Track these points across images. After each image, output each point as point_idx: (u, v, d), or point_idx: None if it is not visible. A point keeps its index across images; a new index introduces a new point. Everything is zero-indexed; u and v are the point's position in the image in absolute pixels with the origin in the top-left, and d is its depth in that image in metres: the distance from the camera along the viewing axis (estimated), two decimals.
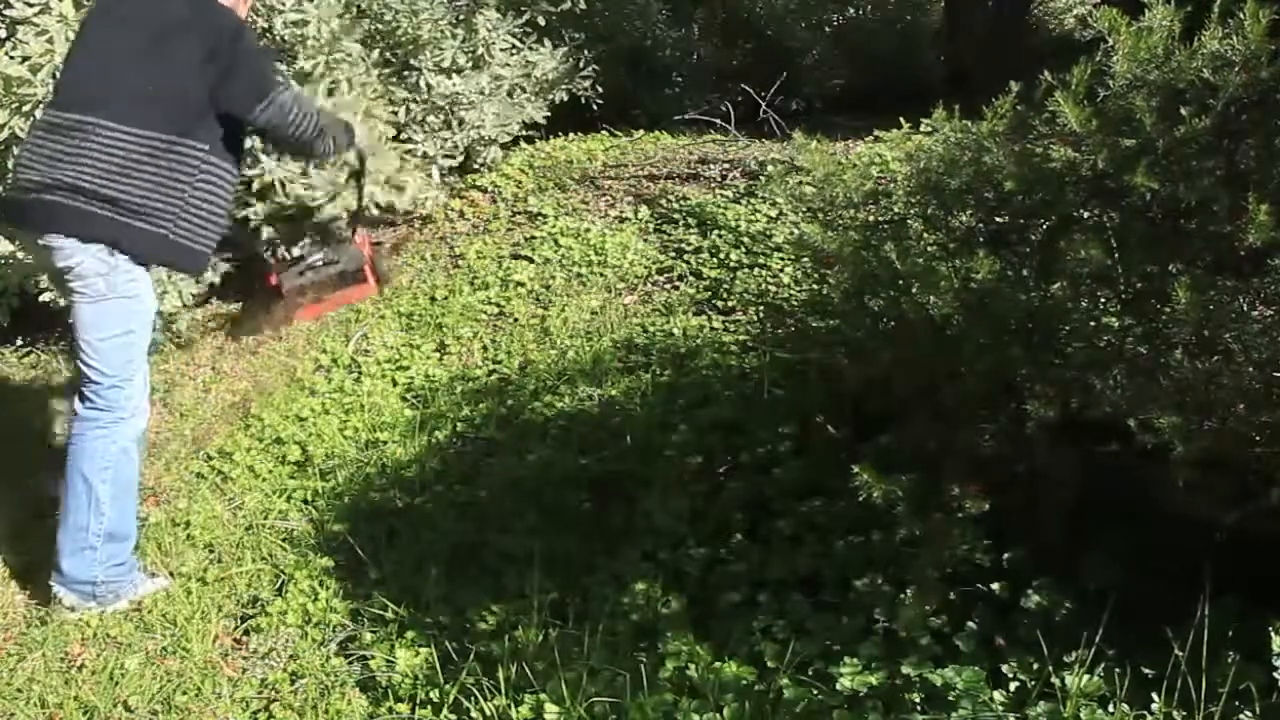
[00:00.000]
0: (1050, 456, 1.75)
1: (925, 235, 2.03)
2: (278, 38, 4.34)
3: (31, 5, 3.58)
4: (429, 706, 2.09)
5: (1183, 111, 1.61)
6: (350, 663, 2.28)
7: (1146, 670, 1.62)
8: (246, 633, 2.47)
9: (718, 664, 1.90)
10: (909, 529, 1.89)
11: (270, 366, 3.90)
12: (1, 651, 2.50)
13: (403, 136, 4.69)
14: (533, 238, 4.46)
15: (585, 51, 5.53)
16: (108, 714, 2.26)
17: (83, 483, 2.49)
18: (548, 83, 5.36)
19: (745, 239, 3.94)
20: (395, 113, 4.69)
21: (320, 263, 4.10)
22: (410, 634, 2.29)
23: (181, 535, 2.88)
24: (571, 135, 5.71)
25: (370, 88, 4.62)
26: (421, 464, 3.00)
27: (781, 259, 3.71)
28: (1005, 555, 1.87)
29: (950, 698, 1.64)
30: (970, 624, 1.79)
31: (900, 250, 1.95)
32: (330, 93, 4.51)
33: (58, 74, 2.68)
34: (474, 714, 1.99)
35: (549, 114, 5.42)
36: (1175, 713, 1.56)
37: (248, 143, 2.87)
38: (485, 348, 3.73)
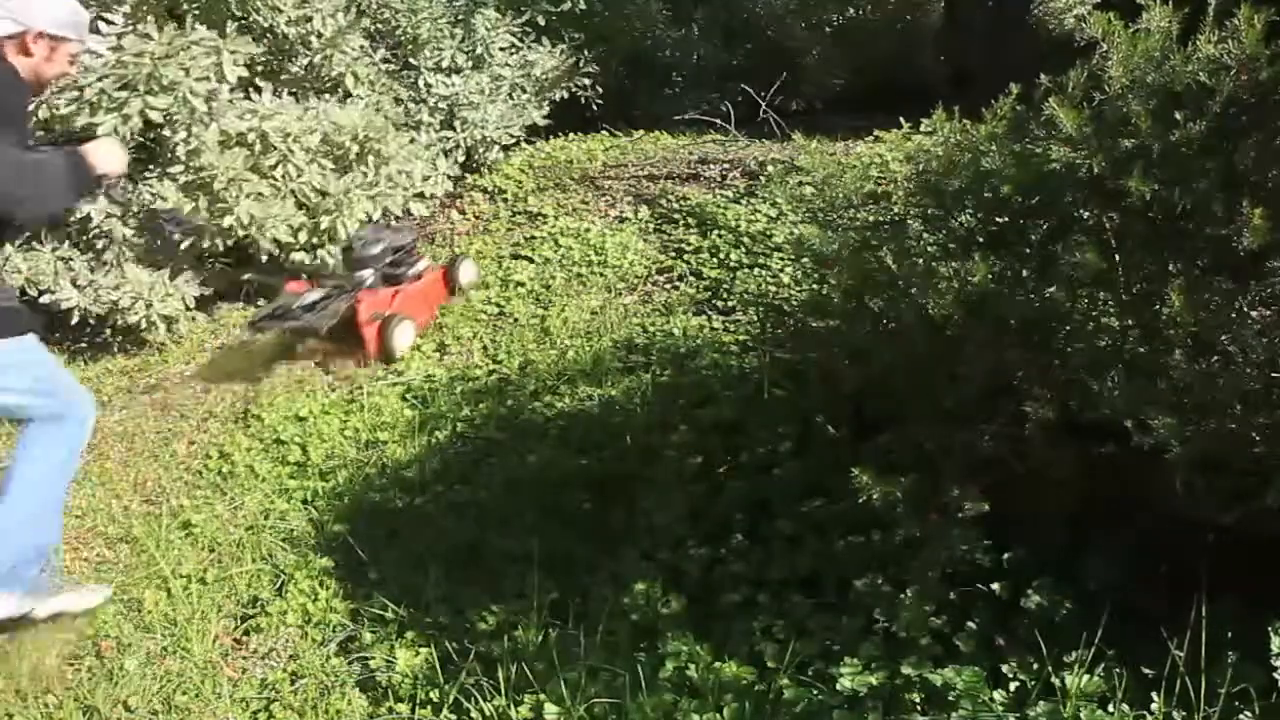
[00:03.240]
0: (1049, 457, 1.75)
1: (925, 236, 2.03)
2: (280, 35, 4.34)
3: None
4: (429, 706, 2.09)
5: (1178, 115, 1.61)
6: (350, 663, 2.29)
7: (1146, 670, 1.62)
8: (246, 633, 2.47)
9: (718, 664, 1.90)
10: (908, 529, 1.90)
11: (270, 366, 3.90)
12: (1, 651, 2.50)
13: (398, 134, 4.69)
14: (533, 238, 4.46)
15: (585, 51, 5.54)
16: (108, 714, 2.26)
17: None
18: (547, 83, 5.36)
19: (745, 239, 3.94)
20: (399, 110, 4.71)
21: (295, 318, 3.63)
22: (410, 634, 2.29)
23: (181, 535, 2.88)
24: (571, 135, 5.71)
25: (379, 83, 4.64)
26: (421, 464, 3.00)
27: (781, 259, 3.71)
28: (1005, 555, 1.87)
29: (950, 698, 1.64)
30: (970, 624, 1.79)
31: (899, 251, 1.95)
32: (335, 88, 4.52)
33: None
34: (474, 714, 2.00)
35: (549, 114, 5.43)
36: (1175, 713, 1.56)
37: None
38: (485, 348, 3.73)
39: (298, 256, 4.14)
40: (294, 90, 4.37)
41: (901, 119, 4.61)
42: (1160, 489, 1.58)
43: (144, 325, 3.92)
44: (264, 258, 4.06)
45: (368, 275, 3.73)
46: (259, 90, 4.15)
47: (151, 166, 3.98)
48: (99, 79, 3.67)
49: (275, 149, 3.97)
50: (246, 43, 3.98)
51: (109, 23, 3.76)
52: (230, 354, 4.03)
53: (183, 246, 3.90)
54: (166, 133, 3.86)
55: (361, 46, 4.55)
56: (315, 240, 4.12)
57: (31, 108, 2.38)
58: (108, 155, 2.40)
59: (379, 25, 4.81)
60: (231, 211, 3.82)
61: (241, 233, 3.91)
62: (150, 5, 4.02)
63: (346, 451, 3.17)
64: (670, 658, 1.94)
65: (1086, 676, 1.61)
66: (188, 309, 4.03)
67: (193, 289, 4.02)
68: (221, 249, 4.06)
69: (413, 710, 2.09)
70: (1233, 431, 1.52)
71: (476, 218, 4.83)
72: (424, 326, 3.87)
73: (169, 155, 3.92)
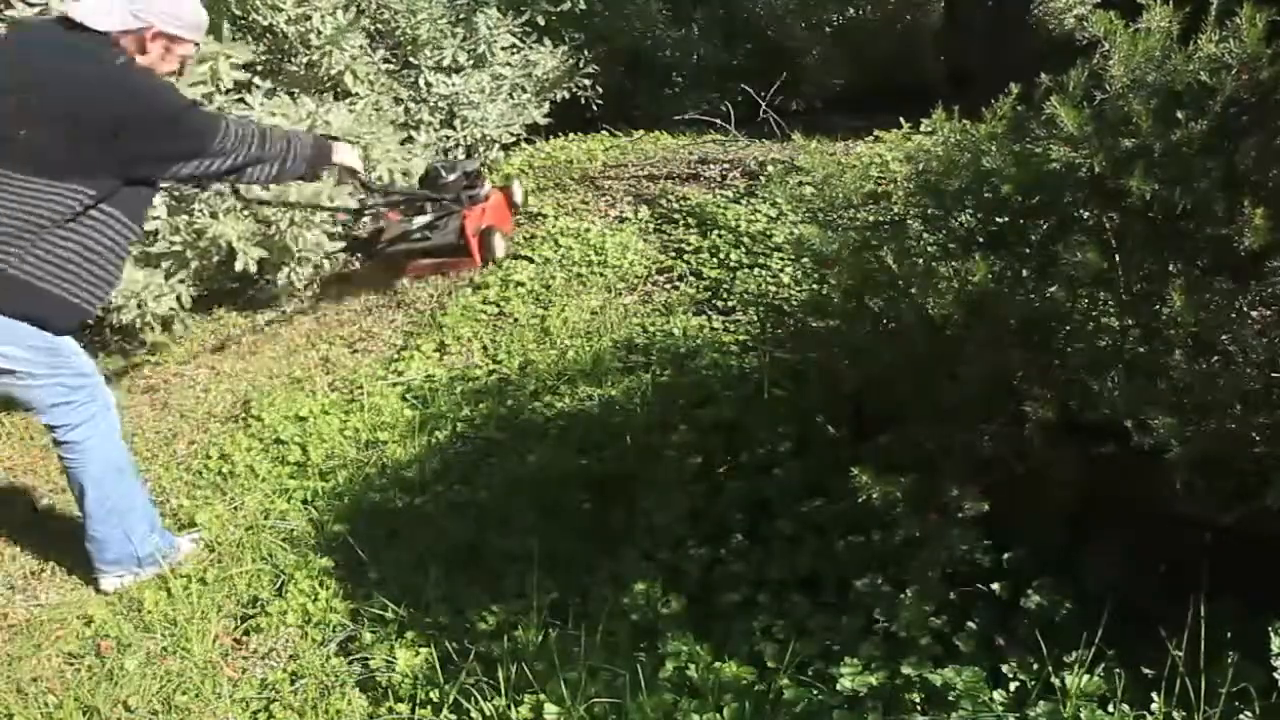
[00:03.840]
0: (1049, 457, 1.75)
1: (925, 236, 2.03)
2: (280, 33, 4.34)
3: (32, 5, 3.58)
4: (429, 706, 2.09)
5: (1179, 115, 1.61)
6: (350, 663, 2.29)
7: (1146, 670, 1.62)
8: (246, 633, 2.47)
9: (718, 664, 1.90)
10: (908, 529, 1.90)
11: (270, 366, 3.91)
12: (2, 652, 2.50)
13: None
14: (533, 238, 4.46)
15: (585, 51, 5.55)
16: (108, 714, 2.26)
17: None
18: (548, 82, 5.37)
19: (745, 239, 3.94)
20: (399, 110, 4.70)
21: (418, 235, 4.26)
22: (410, 634, 2.29)
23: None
24: (571, 135, 5.72)
25: (378, 82, 4.63)
26: (421, 464, 3.00)
27: (781, 259, 3.72)
28: (1005, 555, 1.87)
29: (950, 698, 1.64)
30: (970, 624, 1.79)
31: (899, 251, 1.95)
32: (334, 86, 4.52)
33: None
34: (474, 714, 1.99)
35: (549, 114, 5.43)
36: (1175, 713, 1.56)
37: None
38: (485, 348, 3.73)
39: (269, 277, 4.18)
40: (291, 90, 4.36)
41: (901, 119, 4.61)
42: (1160, 489, 1.58)
43: (138, 324, 3.91)
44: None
45: (452, 198, 4.24)
46: (252, 90, 4.13)
47: None
48: None
49: None
50: (243, 47, 3.96)
51: None
52: (362, 274, 4.51)
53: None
54: None
55: (361, 46, 4.55)
56: (280, 260, 4.12)
57: None
58: (348, 154, 2.82)
59: (379, 25, 4.82)
60: (205, 233, 3.82)
61: (223, 254, 3.91)
62: None
63: (346, 451, 3.17)
64: (670, 658, 1.94)
65: (1086, 676, 1.61)
66: (183, 309, 4.03)
67: (188, 288, 4.01)
68: (212, 264, 4.05)
69: (413, 710, 2.09)
70: (1233, 431, 1.51)
71: None
72: (509, 234, 4.52)
73: None
